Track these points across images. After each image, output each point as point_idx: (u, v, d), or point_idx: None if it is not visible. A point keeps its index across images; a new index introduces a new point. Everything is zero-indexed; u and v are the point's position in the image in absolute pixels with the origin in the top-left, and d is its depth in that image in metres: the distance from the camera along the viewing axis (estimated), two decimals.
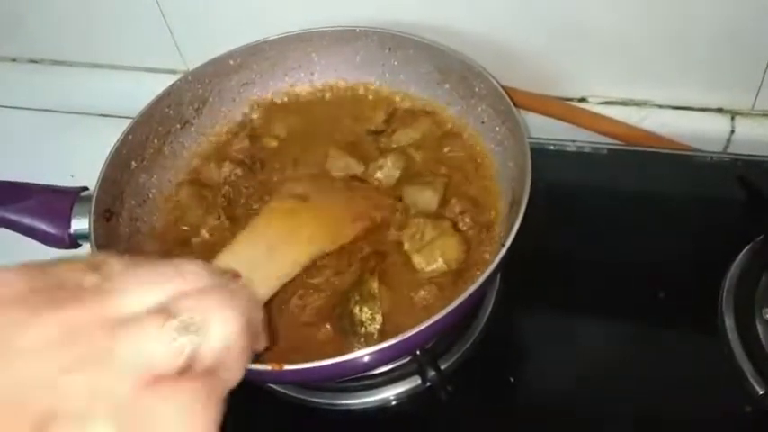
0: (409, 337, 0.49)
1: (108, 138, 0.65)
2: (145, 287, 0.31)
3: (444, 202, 0.62)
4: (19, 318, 0.28)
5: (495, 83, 0.63)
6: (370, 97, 0.73)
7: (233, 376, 0.32)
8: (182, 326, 0.30)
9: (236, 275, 0.41)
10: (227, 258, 0.49)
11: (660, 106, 0.79)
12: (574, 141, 0.77)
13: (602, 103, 0.80)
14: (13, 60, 0.99)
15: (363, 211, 0.62)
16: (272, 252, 0.52)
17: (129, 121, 0.66)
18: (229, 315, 0.32)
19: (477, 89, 0.66)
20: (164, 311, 0.30)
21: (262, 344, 0.36)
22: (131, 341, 0.29)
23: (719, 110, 0.78)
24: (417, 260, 0.58)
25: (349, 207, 0.62)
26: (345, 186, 0.65)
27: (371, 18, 0.73)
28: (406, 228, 0.60)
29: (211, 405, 0.30)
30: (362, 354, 0.49)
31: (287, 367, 0.48)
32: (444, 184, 0.63)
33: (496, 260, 0.51)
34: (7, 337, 0.28)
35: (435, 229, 0.58)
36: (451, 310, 0.49)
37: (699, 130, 0.78)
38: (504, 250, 0.51)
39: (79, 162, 0.69)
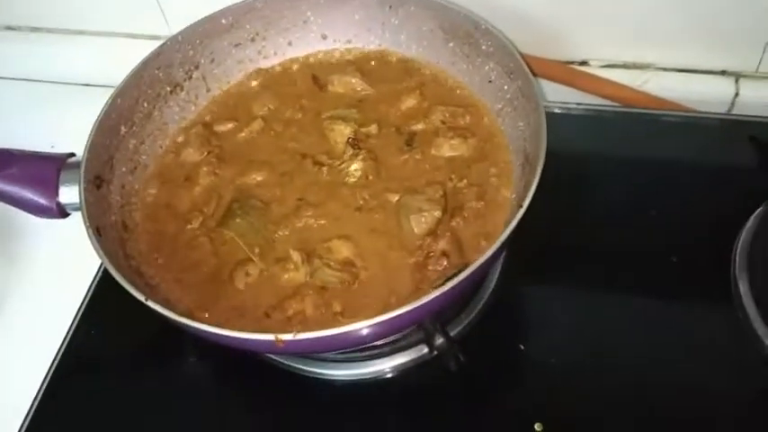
0: (420, 305, 0.46)
1: (88, 107, 0.62)
2: None
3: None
4: None
5: (503, 39, 0.60)
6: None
7: None
8: None
9: None
10: None
11: (663, 69, 0.78)
12: (579, 104, 0.76)
13: (604, 66, 0.78)
14: (34, 30, 0.94)
15: None
16: None
17: (111, 90, 0.63)
18: None
19: (483, 47, 0.63)
20: None
21: None
22: None
23: (723, 72, 0.76)
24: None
25: None
26: None
27: None
28: None
29: None
30: (366, 325, 0.47)
31: (283, 337, 0.46)
32: None
33: (514, 222, 0.49)
34: None
35: None
36: (472, 272, 0.47)
37: (702, 92, 0.77)
38: (521, 212, 0.49)
39: (59, 132, 0.68)
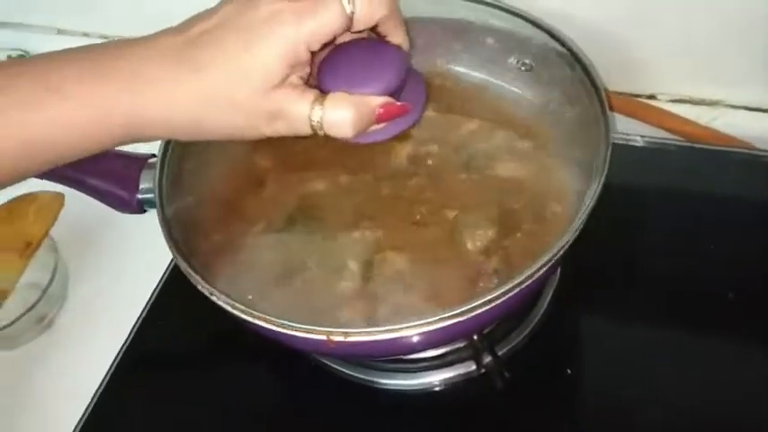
0: (468, 316, 0.48)
1: None
2: None
3: None
4: None
5: (564, 69, 0.62)
6: None
7: None
8: None
9: None
10: None
11: (732, 106, 0.77)
12: (643, 137, 0.76)
13: (671, 101, 0.78)
14: (85, 35, 0.99)
15: None
16: None
17: None
18: None
19: (545, 75, 0.65)
20: None
21: None
22: None
23: None
24: None
25: None
26: None
27: None
28: None
29: None
30: (415, 332, 0.48)
31: (335, 338, 0.48)
32: None
33: (564, 245, 0.50)
34: None
35: None
36: (519, 290, 0.49)
37: None
38: (570, 235, 0.50)
39: None
